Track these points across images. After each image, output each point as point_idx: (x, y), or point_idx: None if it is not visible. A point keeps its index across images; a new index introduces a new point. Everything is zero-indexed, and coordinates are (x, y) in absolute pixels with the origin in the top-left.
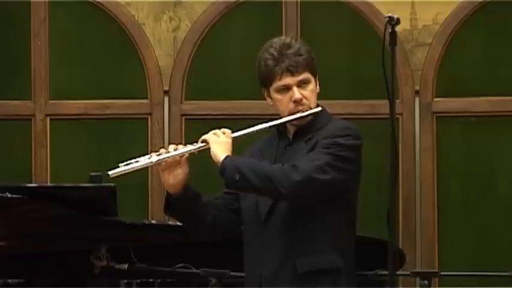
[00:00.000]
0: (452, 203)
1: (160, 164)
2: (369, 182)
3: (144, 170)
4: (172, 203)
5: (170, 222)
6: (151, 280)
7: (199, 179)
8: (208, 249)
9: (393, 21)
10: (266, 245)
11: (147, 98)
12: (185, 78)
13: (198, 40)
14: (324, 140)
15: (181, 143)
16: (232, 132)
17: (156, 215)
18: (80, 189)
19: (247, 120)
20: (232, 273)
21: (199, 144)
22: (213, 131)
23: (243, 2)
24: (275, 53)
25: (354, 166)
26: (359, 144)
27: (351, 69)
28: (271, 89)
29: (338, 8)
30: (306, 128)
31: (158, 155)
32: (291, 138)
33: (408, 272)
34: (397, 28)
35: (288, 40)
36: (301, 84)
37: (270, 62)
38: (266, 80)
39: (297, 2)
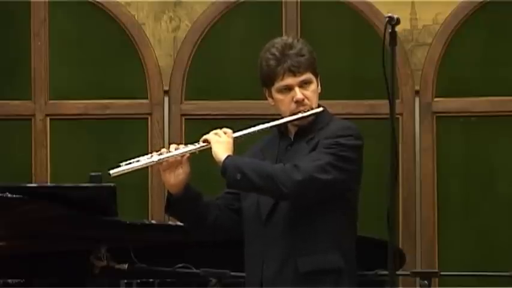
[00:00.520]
0: (452, 203)
1: (161, 163)
2: (369, 182)
3: (144, 170)
4: (173, 203)
5: (170, 222)
6: (151, 280)
7: (200, 179)
8: (208, 249)
9: (393, 21)
10: (267, 244)
11: (147, 98)
12: (185, 78)
13: (198, 40)
14: (326, 140)
15: (181, 143)
16: (234, 132)
17: (156, 215)
18: (80, 189)
19: (247, 120)
20: (232, 273)
21: (201, 144)
22: (214, 131)
23: (243, 2)
24: (277, 53)
25: (355, 166)
26: (360, 144)
27: (351, 69)
28: (273, 89)
29: (338, 8)
30: (307, 128)
31: (159, 155)
32: (292, 138)
33: (408, 272)
34: (397, 28)
35: (290, 40)
36: (303, 84)
37: (272, 62)
38: (268, 80)
39: (297, 2)
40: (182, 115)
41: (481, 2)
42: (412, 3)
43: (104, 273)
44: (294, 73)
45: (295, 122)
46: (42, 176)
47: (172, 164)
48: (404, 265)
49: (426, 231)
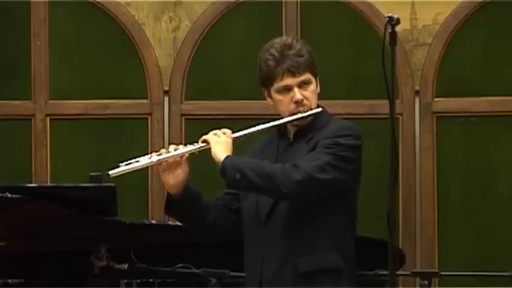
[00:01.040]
0: (452, 203)
1: (160, 164)
2: (369, 182)
3: (144, 170)
4: (172, 203)
5: (170, 222)
6: (151, 280)
7: (199, 180)
8: (208, 249)
9: (393, 21)
10: (267, 244)
11: (147, 98)
12: (185, 78)
13: (198, 40)
14: (325, 140)
15: (181, 143)
16: (233, 132)
17: (156, 215)
18: (80, 189)
19: (247, 120)
20: (232, 273)
21: (200, 145)
22: (214, 131)
23: (243, 2)
24: (276, 54)
25: (355, 166)
26: (360, 144)
27: (351, 69)
28: (272, 90)
29: (338, 8)
30: (307, 128)
31: (159, 155)
32: (291, 138)
33: (408, 272)
34: (397, 28)
35: (289, 40)
36: (302, 84)
37: (271, 63)
38: (267, 81)
39: (297, 2)
40: (182, 115)
41: (481, 2)
42: (412, 3)
43: (104, 273)
44: (293, 73)
45: (295, 122)
46: (42, 176)
47: (172, 164)
48: (404, 265)
49: (426, 231)
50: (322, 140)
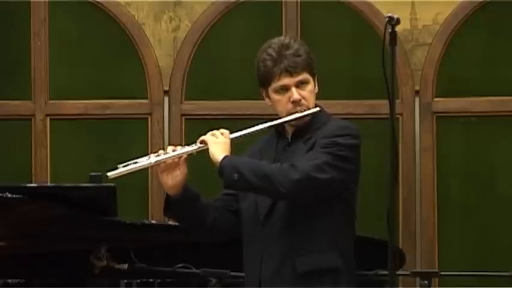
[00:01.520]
0: (452, 203)
1: (159, 165)
2: (369, 182)
3: (144, 170)
4: (171, 204)
5: (170, 222)
6: (151, 280)
7: (197, 180)
8: (208, 249)
9: (393, 21)
10: (265, 245)
11: (147, 98)
12: (185, 78)
13: (198, 40)
14: (323, 139)
15: (181, 143)
16: (231, 132)
17: (156, 215)
18: (80, 189)
19: (247, 120)
20: (232, 273)
21: (198, 145)
22: (211, 132)
23: (243, 2)
24: (274, 54)
25: (353, 166)
26: (358, 143)
27: (351, 69)
28: (270, 90)
29: (338, 8)
30: (304, 128)
31: (157, 156)
32: (289, 138)
33: (408, 272)
34: (397, 28)
35: (286, 40)
36: (300, 84)
37: (269, 63)
38: (265, 81)
39: (297, 2)
40: (182, 115)
41: (481, 2)
42: (412, 3)
43: (104, 273)
44: (290, 73)
45: (292, 122)
46: (42, 176)
47: (170, 165)
48: (404, 265)
49: (426, 231)
50: (320, 139)
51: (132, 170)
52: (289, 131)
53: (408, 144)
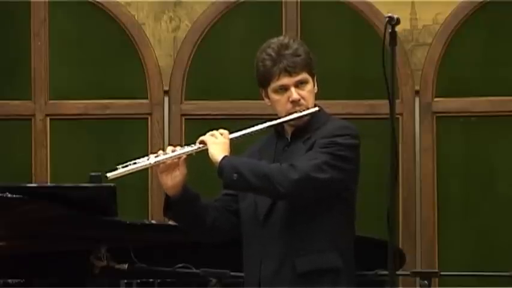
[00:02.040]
0: (452, 203)
1: (158, 165)
2: (369, 182)
3: (144, 170)
4: (171, 205)
5: (170, 222)
6: (151, 280)
7: (197, 180)
8: (208, 249)
9: (393, 21)
10: (265, 245)
11: (147, 98)
12: (185, 78)
13: (198, 40)
14: (322, 139)
15: (181, 143)
16: (230, 133)
17: (156, 215)
18: (80, 189)
19: (247, 120)
20: (232, 273)
21: (197, 146)
22: (211, 132)
23: (243, 2)
24: (273, 54)
25: (353, 165)
26: (357, 143)
27: (351, 69)
28: (269, 90)
29: (338, 8)
30: (304, 128)
31: (156, 157)
32: (289, 138)
33: (408, 272)
34: (397, 28)
35: (286, 40)
36: (299, 84)
37: (268, 63)
38: (264, 81)
39: (297, 2)
40: (182, 115)
41: (481, 2)
42: (412, 3)
43: (104, 273)
44: (289, 73)
45: (292, 122)
46: (42, 176)
47: (170, 166)
48: (404, 265)
49: (426, 231)
50: (320, 139)
51: (132, 171)
52: (289, 131)
53: (408, 144)
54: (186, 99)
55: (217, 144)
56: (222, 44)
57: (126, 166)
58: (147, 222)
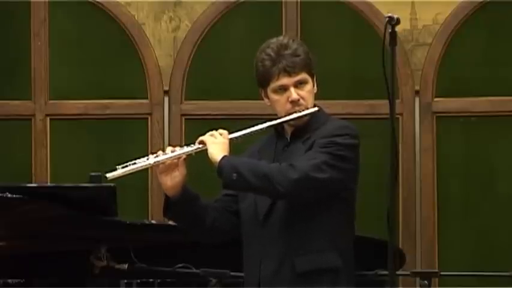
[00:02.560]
0: (452, 203)
1: (158, 166)
2: (369, 182)
3: (144, 170)
4: (171, 205)
5: (170, 222)
6: (151, 280)
7: (196, 181)
8: (208, 249)
9: (393, 21)
10: (265, 245)
11: (147, 98)
12: (185, 78)
13: (198, 40)
14: (322, 139)
15: (181, 144)
16: (230, 133)
17: (156, 215)
18: (80, 189)
19: (247, 120)
20: (232, 273)
21: (197, 146)
22: (210, 132)
23: (243, 2)
24: (272, 54)
25: (352, 165)
26: (357, 143)
27: (351, 69)
28: (269, 90)
29: (338, 8)
30: (303, 128)
31: (156, 157)
32: (288, 138)
33: (408, 272)
34: (397, 28)
35: (285, 40)
36: (298, 84)
37: (267, 63)
38: (263, 81)
39: (297, 2)
40: (182, 115)
41: (481, 2)
42: (412, 3)
43: (104, 273)
44: (289, 73)
45: (291, 122)
46: (42, 176)
47: (169, 166)
48: (404, 265)
49: (426, 231)
50: (319, 139)
51: (131, 171)
52: (288, 131)
53: (408, 144)
54: (186, 99)
55: (217, 144)
56: (222, 44)
57: (126, 167)
58: (147, 222)
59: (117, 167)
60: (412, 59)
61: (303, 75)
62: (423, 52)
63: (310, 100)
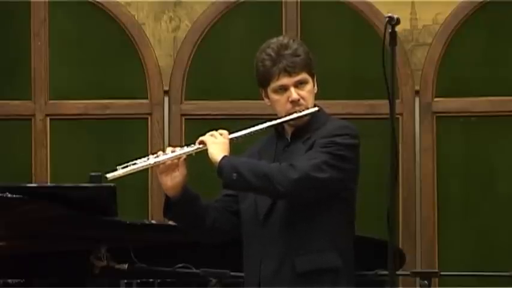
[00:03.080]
0: (452, 203)
1: (158, 166)
2: (369, 182)
3: (144, 170)
4: (171, 205)
5: (170, 222)
6: (151, 280)
7: (197, 181)
8: (208, 249)
9: (393, 21)
10: (265, 244)
11: (147, 98)
12: (185, 78)
13: (198, 40)
14: (322, 139)
15: (180, 144)
16: (230, 133)
17: (156, 215)
18: (80, 189)
19: (247, 120)
20: (232, 273)
21: (197, 146)
22: (210, 132)
23: (243, 2)
24: (272, 54)
25: (352, 165)
26: (357, 143)
27: (351, 69)
28: (269, 90)
29: (338, 8)
30: (304, 128)
31: (156, 157)
32: (289, 139)
33: (408, 272)
34: (397, 28)
35: (285, 40)
36: (299, 84)
37: (268, 63)
38: (263, 81)
39: (297, 2)
40: (182, 115)
41: (481, 2)
42: (412, 3)
43: (104, 273)
44: (289, 73)
45: (291, 122)
46: (42, 176)
47: (169, 166)
48: (404, 265)
49: (426, 231)
50: (319, 139)
51: (131, 172)
52: (289, 131)
53: (408, 144)
54: (186, 99)
55: (217, 144)
56: (222, 44)
57: (126, 167)
58: (147, 222)
59: (118, 167)
60: (412, 59)
61: (303, 75)
62: (423, 52)
63: (311, 100)
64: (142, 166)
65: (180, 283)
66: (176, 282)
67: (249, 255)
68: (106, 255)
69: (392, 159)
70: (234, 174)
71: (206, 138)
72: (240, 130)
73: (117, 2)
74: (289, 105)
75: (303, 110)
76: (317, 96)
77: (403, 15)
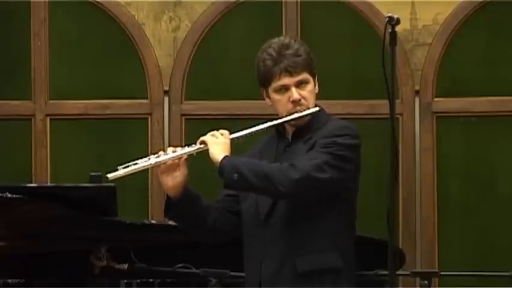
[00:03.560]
0: (452, 203)
1: (159, 166)
2: (369, 182)
3: (144, 171)
4: (172, 205)
5: (170, 222)
6: (151, 280)
7: (197, 181)
8: (208, 249)
9: (393, 21)
10: (266, 245)
11: (147, 98)
12: (185, 78)
13: (198, 40)
14: (323, 139)
15: (181, 144)
16: (231, 133)
17: (156, 215)
18: (80, 189)
19: (247, 120)
20: (232, 273)
21: (198, 146)
22: (211, 132)
23: (243, 2)
24: (274, 54)
25: (353, 165)
26: (357, 143)
27: (351, 69)
28: (270, 89)
29: (338, 8)
30: (305, 128)
31: (157, 157)
32: (289, 139)
33: (408, 272)
34: (397, 28)
35: (286, 40)
36: (300, 84)
37: (269, 63)
38: (265, 80)
39: (297, 2)
40: (182, 115)
41: (481, 2)
42: (412, 3)
43: (104, 273)
44: (290, 73)
45: (292, 122)
46: (42, 176)
47: (170, 166)
48: (404, 265)
49: (426, 231)
50: (320, 139)
51: (132, 172)
52: (290, 131)
53: (408, 144)
54: (186, 99)
55: (218, 144)
56: (222, 44)
57: (127, 167)
58: (147, 222)
59: (119, 167)
60: (412, 59)
61: (304, 75)
62: (423, 52)
63: (312, 100)
64: (144, 166)
65: (180, 283)
66: (176, 282)
67: (249, 255)
68: (106, 255)
69: (392, 159)
70: (235, 175)
71: (207, 138)
72: (241, 130)
73: (117, 2)
74: (290, 105)
75: (304, 110)
76: (317, 96)
77: (403, 15)
